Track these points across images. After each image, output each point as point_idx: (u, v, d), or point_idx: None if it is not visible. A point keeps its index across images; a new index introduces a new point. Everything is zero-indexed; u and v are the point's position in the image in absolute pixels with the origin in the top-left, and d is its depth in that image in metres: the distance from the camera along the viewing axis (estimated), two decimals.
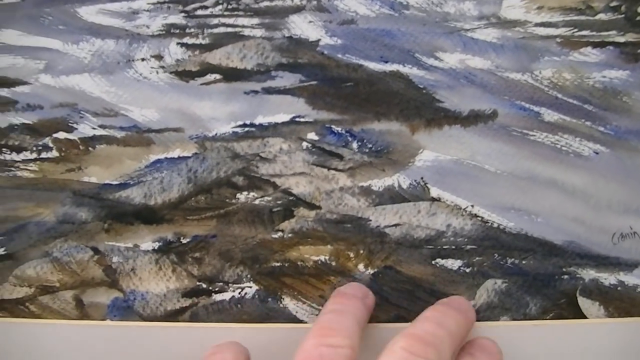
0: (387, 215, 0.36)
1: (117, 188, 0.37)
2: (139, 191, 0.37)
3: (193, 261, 0.37)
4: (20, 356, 0.38)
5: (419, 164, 0.36)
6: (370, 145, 0.36)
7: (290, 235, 0.37)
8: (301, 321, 0.37)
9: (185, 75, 0.36)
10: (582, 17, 0.35)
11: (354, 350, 0.31)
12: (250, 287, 0.37)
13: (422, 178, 0.36)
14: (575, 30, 0.35)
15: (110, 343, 0.37)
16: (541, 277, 0.36)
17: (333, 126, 0.36)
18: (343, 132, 0.36)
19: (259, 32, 0.36)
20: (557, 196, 0.36)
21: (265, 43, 0.36)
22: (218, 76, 0.36)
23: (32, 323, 0.38)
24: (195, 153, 0.37)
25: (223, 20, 0.36)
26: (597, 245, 0.36)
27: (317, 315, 0.37)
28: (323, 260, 0.37)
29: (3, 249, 0.38)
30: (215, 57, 0.36)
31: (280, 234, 0.37)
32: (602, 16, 0.35)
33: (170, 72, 0.36)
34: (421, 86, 0.36)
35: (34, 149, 0.37)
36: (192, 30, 0.36)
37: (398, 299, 0.37)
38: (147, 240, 0.37)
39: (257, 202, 0.37)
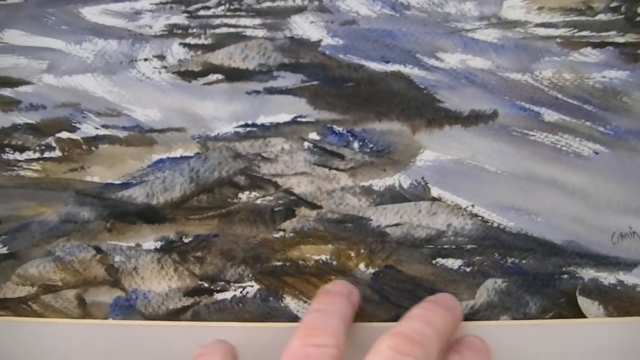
0: (388, 214, 0.36)
1: (120, 187, 0.37)
2: (142, 191, 0.37)
3: (195, 260, 0.37)
4: (23, 355, 0.38)
5: (419, 164, 0.36)
6: (371, 145, 0.36)
7: (291, 234, 0.36)
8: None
9: (187, 75, 0.36)
10: (582, 18, 0.34)
11: (340, 349, 0.31)
12: (252, 286, 0.37)
13: (422, 178, 0.36)
14: (576, 30, 0.35)
15: (112, 342, 0.37)
16: (541, 277, 0.36)
17: (334, 126, 0.36)
18: (344, 132, 0.36)
19: (261, 33, 0.36)
20: (557, 196, 0.35)
21: (267, 43, 0.36)
22: (220, 76, 0.36)
23: (35, 322, 0.38)
24: (198, 153, 0.36)
25: (225, 20, 0.36)
26: (596, 245, 0.36)
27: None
28: (324, 259, 0.36)
29: (6, 248, 0.37)
30: (218, 57, 0.36)
31: (281, 233, 0.36)
32: (602, 17, 0.34)
33: (173, 72, 0.36)
34: (422, 86, 0.35)
35: (37, 148, 0.37)
36: (195, 30, 0.36)
37: (399, 298, 0.36)
38: (149, 240, 0.37)
39: (258, 201, 0.36)
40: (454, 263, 0.36)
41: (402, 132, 0.36)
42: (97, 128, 0.36)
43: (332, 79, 0.36)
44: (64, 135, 0.37)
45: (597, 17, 0.34)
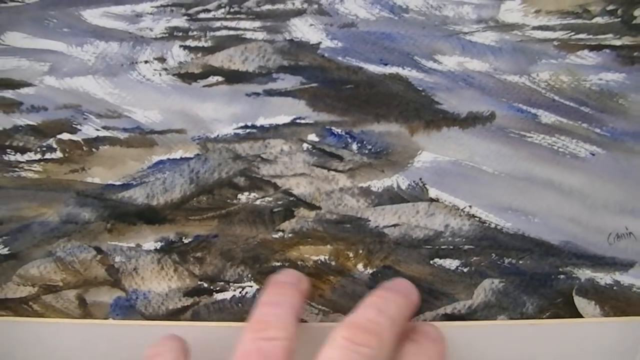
0: (386, 215, 0.35)
1: (120, 188, 0.36)
2: (142, 192, 0.36)
3: (195, 261, 0.36)
4: (24, 354, 0.37)
5: (417, 165, 0.35)
6: (369, 147, 0.35)
7: (290, 235, 0.36)
8: (301, 320, 0.36)
9: (187, 77, 0.35)
10: (579, 21, 0.34)
11: (292, 341, 0.31)
12: (251, 286, 0.36)
13: (420, 179, 0.35)
14: (573, 33, 0.34)
15: (112, 342, 0.37)
16: (538, 277, 0.35)
17: (333, 128, 0.35)
18: (343, 133, 0.35)
19: (260, 35, 0.35)
20: (554, 197, 0.35)
21: (266, 46, 0.35)
22: (220, 78, 0.35)
23: (36, 322, 0.37)
24: (198, 154, 0.36)
25: (225, 23, 0.35)
26: (593, 246, 0.35)
27: (317, 314, 0.36)
28: (323, 260, 0.36)
29: (7, 248, 0.37)
30: (218, 59, 0.35)
31: (280, 234, 0.36)
32: (598, 20, 0.34)
33: (173, 74, 0.35)
34: (420, 88, 0.35)
35: (38, 149, 0.36)
36: (195, 33, 0.35)
37: None
38: (150, 240, 0.36)
39: (258, 202, 0.36)
40: (451, 263, 0.36)
41: (401, 134, 0.35)
42: (97, 129, 0.36)
43: (331, 81, 0.35)
44: (65, 136, 0.36)
45: (594, 20, 0.34)
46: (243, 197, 0.36)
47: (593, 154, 0.35)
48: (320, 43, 0.35)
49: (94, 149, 0.36)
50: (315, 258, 0.36)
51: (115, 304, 0.37)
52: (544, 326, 0.35)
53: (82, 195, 0.36)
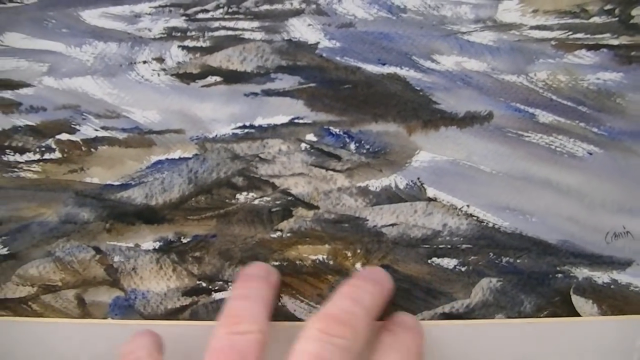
0: (384, 215, 0.35)
1: (119, 188, 0.36)
2: (140, 191, 0.36)
3: (193, 260, 0.36)
4: (24, 354, 0.37)
5: (415, 165, 0.35)
6: (367, 146, 0.35)
7: (288, 234, 0.35)
8: (300, 319, 0.36)
9: (186, 77, 0.35)
10: (577, 20, 0.34)
11: (264, 333, 0.30)
12: None
13: (418, 178, 0.35)
14: (570, 33, 0.34)
15: (111, 341, 0.36)
16: (536, 276, 0.35)
17: (331, 127, 0.35)
18: (341, 133, 0.35)
19: (258, 35, 0.35)
20: (551, 196, 0.34)
21: (265, 46, 0.35)
22: (218, 78, 0.35)
23: (35, 322, 0.37)
24: (196, 154, 0.35)
25: (224, 23, 0.35)
26: (590, 244, 0.35)
27: (315, 313, 0.36)
28: (321, 259, 0.35)
29: (6, 248, 0.36)
30: (216, 59, 0.35)
31: (279, 233, 0.35)
32: (596, 19, 0.33)
33: (172, 75, 0.35)
34: (418, 88, 0.34)
35: (37, 150, 0.36)
36: (193, 33, 0.35)
37: (395, 297, 0.35)
38: (148, 240, 0.36)
39: (256, 202, 0.35)
40: (449, 262, 0.35)
41: (398, 134, 0.35)
42: (96, 130, 0.35)
43: (329, 81, 0.35)
44: (64, 136, 0.36)
45: (592, 20, 0.33)
46: (241, 197, 0.35)
47: (590, 153, 0.34)
48: (318, 43, 0.34)
49: (92, 149, 0.35)
50: (314, 257, 0.35)
51: (114, 303, 0.36)
52: (542, 325, 0.35)
53: (81, 196, 0.36)
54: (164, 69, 0.35)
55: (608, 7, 0.33)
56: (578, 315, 0.35)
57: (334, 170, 0.35)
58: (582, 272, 0.35)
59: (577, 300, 0.35)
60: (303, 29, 0.34)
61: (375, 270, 0.34)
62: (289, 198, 0.35)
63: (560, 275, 0.35)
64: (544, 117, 0.34)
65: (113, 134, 0.35)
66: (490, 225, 0.35)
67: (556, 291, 0.35)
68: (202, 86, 0.35)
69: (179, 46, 0.35)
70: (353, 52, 0.34)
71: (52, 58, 0.35)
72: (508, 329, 0.35)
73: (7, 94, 0.35)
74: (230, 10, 0.35)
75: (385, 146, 0.35)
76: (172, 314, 0.36)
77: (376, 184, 0.35)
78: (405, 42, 0.34)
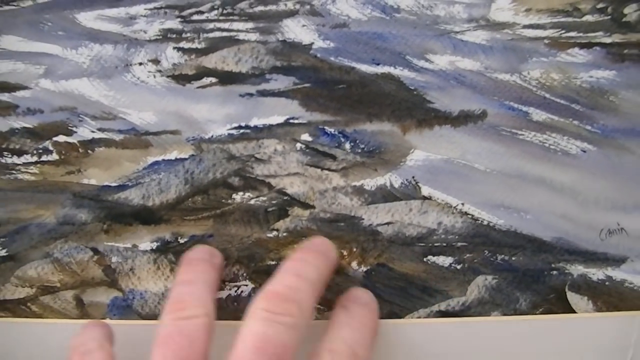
0: (380, 213, 0.35)
1: (116, 190, 0.35)
2: (137, 192, 0.35)
3: None
4: (23, 355, 0.36)
5: (410, 164, 0.34)
6: (362, 146, 0.34)
7: (285, 234, 0.35)
8: None
9: (181, 78, 0.35)
10: (570, 19, 0.33)
11: (210, 317, 0.30)
12: (247, 285, 0.35)
13: (413, 177, 0.34)
14: (563, 31, 0.33)
15: None
16: (531, 273, 0.35)
17: (326, 127, 0.34)
18: (336, 133, 0.34)
19: (253, 36, 0.34)
20: (545, 194, 0.34)
21: (259, 47, 0.34)
22: (214, 79, 0.34)
23: (34, 323, 0.36)
24: (192, 155, 0.35)
25: (218, 24, 0.34)
26: (585, 242, 0.34)
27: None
28: None
29: (5, 250, 0.36)
30: (211, 60, 0.34)
31: (275, 233, 0.35)
32: (589, 18, 0.33)
33: (167, 76, 0.35)
34: (412, 87, 0.34)
35: (35, 152, 0.35)
36: (189, 34, 0.34)
37: (391, 295, 0.35)
38: (146, 241, 0.35)
39: (252, 202, 0.35)
40: (444, 260, 0.35)
41: (393, 133, 0.34)
42: (93, 131, 0.35)
43: (324, 81, 0.34)
44: (61, 138, 0.35)
45: (584, 18, 0.33)
46: (238, 197, 0.35)
47: (584, 151, 0.34)
48: (312, 43, 0.34)
49: (89, 151, 0.35)
50: None
51: (112, 304, 0.36)
52: (538, 322, 0.35)
53: (78, 197, 0.35)
54: (159, 71, 0.34)
55: (600, 5, 0.33)
56: (573, 312, 0.35)
57: (329, 169, 0.35)
58: (577, 269, 0.35)
59: (573, 297, 0.35)
60: (297, 30, 0.34)
61: (318, 242, 0.34)
62: (285, 198, 0.35)
63: (555, 272, 0.35)
64: (538, 115, 0.34)
65: (110, 136, 0.35)
66: (485, 223, 0.34)
67: (551, 288, 0.35)
68: (198, 87, 0.35)
69: (174, 48, 0.34)
70: (347, 52, 0.34)
71: (48, 60, 0.35)
72: (504, 326, 0.35)
73: (4, 97, 0.35)
74: (225, 11, 0.34)
75: (380, 145, 0.34)
76: None
77: (371, 183, 0.35)
78: (399, 42, 0.34)
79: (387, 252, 0.35)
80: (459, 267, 0.35)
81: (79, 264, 0.36)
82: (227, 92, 0.34)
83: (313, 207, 0.35)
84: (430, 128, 0.34)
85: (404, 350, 0.35)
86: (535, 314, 0.35)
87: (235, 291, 0.35)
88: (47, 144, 0.35)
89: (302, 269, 0.31)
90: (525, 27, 0.33)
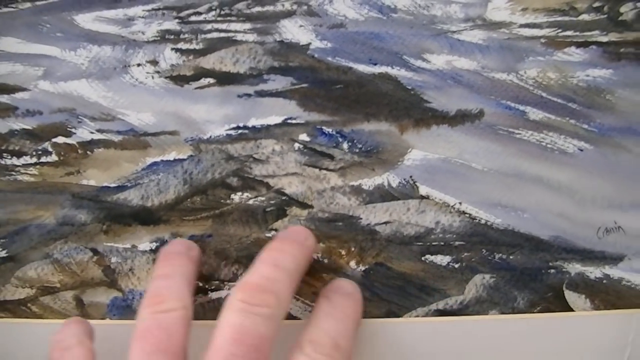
0: (378, 213, 0.34)
1: (115, 190, 0.35)
2: (136, 193, 0.35)
3: None
4: (23, 355, 0.36)
5: (408, 163, 0.34)
6: (360, 146, 0.34)
7: None
8: (295, 317, 0.35)
9: (180, 79, 0.34)
10: (566, 18, 0.33)
11: (188, 309, 0.30)
12: None
13: (411, 177, 0.34)
14: (559, 30, 0.33)
15: (110, 341, 0.35)
16: (528, 272, 0.34)
17: (324, 127, 0.34)
18: (334, 133, 0.34)
19: (251, 37, 0.34)
20: (543, 192, 0.34)
21: (257, 47, 0.34)
22: (212, 80, 0.34)
23: (34, 323, 0.36)
24: (191, 155, 0.35)
25: (216, 25, 0.34)
26: (582, 240, 0.34)
27: (310, 312, 0.35)
28: (315, 258, 0.35)
29: (5, 251, 0.36)
30: (209, 61, 0.34)
31: (273, 232, 0.35)
32: (585, 17, 0.33)
33: (166, 77, 0.34)
34: (409, 87, 0.34)
35: (34, 153, 0.35)
36: (186, 35, 0.34)
37: (389, 294, 0.35)
38: (145, 241, 0.35)
39: (251, 202, 0.35)
40: (442, 259, 0.35)
41: (391, 132, 0.34)
42: (92, 132, 0.35)
43: (321, 81, 0.34)
44: (60, 140, 0.35)
45: (581, 17, 0.33)
46: (236, 197, 0.35)
47: (581, 150, 0.34)
48: (310, 44, 0.34)
49: (88, 152, 0.35)
50: None
51: (112, 304, 0.36)
52: (535, 320, 0.34)
53: (77, 198, 0.35)
54: (157, 72, 0.34)
55: (597, 4, 0.33)
56: (571, 310, 0.35)
57: (327, 169, 0.34)
58: (574, 268, 0.34)
59: (570, 296, 0.35)
60: (295, 30, 0.34)
61: (294, 230, 0.33)
62: (283, 197, 0.35)
63: (552, 270, 0.34)
64: (535, 114, 0.33)
65: (108, 137, 0.35)
66: (483, 222, 0.34)
67: (549, 287, 0.34)
68: (196, 88, 0.34)
69: (172, 49, 0.34)
70: (344, 52, 0.34)
71: (47, 62, 0.35)
72: (502, 325, 0.35)
73: (4, 98, 0.35)
74: (222, 12, 0.34)
75: (377, 145, 0.34)
76: None
77: (369, 182, 0.34)
78: (396, 42, 0.33)
79: (385, 251, 0.35)
80: (456, 266, 0.35)
81: (78, 264, 0.36)
82: (225, 92, 0.34)
83: (311, 206, 0.35)
84: (428, 127, 0.34)
85: (402, 349, 0.35)
86: (533, 312, 0.35)
87: None
88: (47, 145, 0.35)
89: (279, 258, 0.31)
90: (521, 26, 0.33)
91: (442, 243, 0.34)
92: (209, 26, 0.34)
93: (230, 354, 0.28)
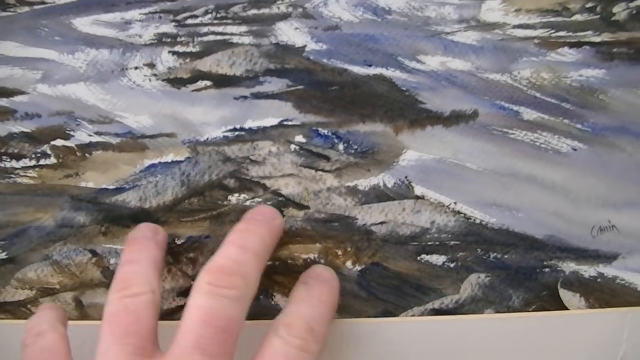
0: (373, 213, 0.34)
1: (114, 192, 0.35)
2: (135, 195, 0.35)
3: (187, 261, 0.35)
4: None
5: (403, 164, 0.34)
6: (355, 147, 0.34)
7: None
8: None
9: (177, 82, 0.34)
10: (559, 19, 0.33)
11: (155, 293, 0.30)
12: None
13: (406, 177, 0.34)
14: (553, 31, 0.33)
15: None
16: (523, 271, 0.34)
17: (320, 129, 0.34)
18: (329, 134, 0.34)
19: (247, 40, 0.34)
20: (537, 192, 0.34)
21: (253, 50, 0.34)
22: (208, 82, 0.34)
23: None
24: (188, 157, 0.34)
25: (212, 28, 0.34)
26: (576, 239, 0.34)
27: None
28: (312, 258, 0.35)
29: (4, 253, 0.35)
30: (206, 64, 0.34)
31: None
32: (578, 17, 0.32)
33: (163, 80, 0.34)
34: (404, 88, 0.33)
35: (33, 156, 0.35)
36: (183, 38, 0.34)
37: (385, 294, 0.34)
38: None
39: (248, 203, 0.34)
40: (438, 259, 0.34)
41: (386, 133, 0.34)
42: (90, 135, 0.35)
43: (317, 83, 0.34)
44: (59, 142, 0.35)
45: (574, 18, 0.33)
46: (233, 198, 0.35)
47: (575, 149, 0.33)
48: (305, 46, 0.34)
49: (87, 154, 0.35)
50: (305, 256, 0.35)
51: None
52: (530, 319, 0.34)
53: (76, 200, 0.35)
54: (155, 75, 0.34)
55: (589, 4, 0.32)
56: (566, 308, 0.34)
57: (323, 170, 0.34)
58: (569, 266, 0.34)
59: (565, 294, 0.34)
60: (290, 33, 0.34)
61: (261, 210, 0.33)
62: (280, 198, 0.34)
63: (547, 269, 0.34)
64: (529, 114, 0.33)
65: (107, 139, 0.35)
66: (478, 221, 0.34)
67: (544, 285, 0.34)
68: (193, 90, 0.34)
69: (169, 52, 0.34)
70: (339, 54, 0.33)
71: (45, 65, 0.34)
72: (497, 323, 0.34)
73: (3, 102, 0.35)
74: (218, 15, 0.34)
75: (373, 146, 0.34)
76: (168, 315, 0.35)
77: (365, 183, 0.34)
78: (391, 44, 0.33)
79: (381, 251, 0.34)
80: (452, 265, 0.34)
81: (77, 266, 0.35)
82: (221, 95, 0.34)
83: (307, 207, 0.34)
84: (423, 128, 0.34)
85: (398, 348, 0.35)
86: (528, 311, 0.34)
87: None
88: (45, 148, 0.35)
89: (246, 240, 0.30)
90: (515, 27, 0.33)
91: (438, 243, 0.34)
92: (205, 29, 0.34)
93: (198, 335, 0.28)
